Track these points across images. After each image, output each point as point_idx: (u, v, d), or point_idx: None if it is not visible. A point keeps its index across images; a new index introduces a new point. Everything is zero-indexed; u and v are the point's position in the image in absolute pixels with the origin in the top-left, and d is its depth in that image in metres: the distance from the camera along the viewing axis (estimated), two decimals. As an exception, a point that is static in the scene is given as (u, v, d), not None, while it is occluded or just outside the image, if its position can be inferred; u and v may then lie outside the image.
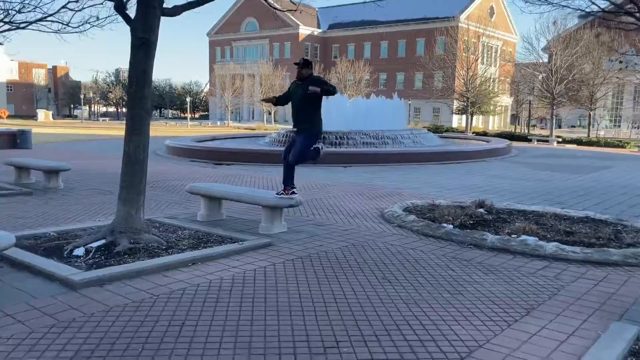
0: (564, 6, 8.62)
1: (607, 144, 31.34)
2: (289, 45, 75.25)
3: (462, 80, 43.84)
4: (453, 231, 6.47)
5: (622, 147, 30.36)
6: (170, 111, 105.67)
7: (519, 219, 7.22)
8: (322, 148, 6.48)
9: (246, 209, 7.80)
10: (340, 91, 41.09)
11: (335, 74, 56.52)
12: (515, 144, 25.51)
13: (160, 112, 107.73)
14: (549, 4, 8.48)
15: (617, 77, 40.12)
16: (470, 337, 3.53)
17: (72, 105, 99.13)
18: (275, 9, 8.22)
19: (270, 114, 66.39)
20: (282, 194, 6.49)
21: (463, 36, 47.49)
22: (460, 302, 4.20)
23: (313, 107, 6.34)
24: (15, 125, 39.49)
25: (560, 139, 32.84)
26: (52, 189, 9.76)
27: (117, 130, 39.34)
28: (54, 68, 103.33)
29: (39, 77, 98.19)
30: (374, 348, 3.31)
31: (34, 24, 10.04)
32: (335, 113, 18.41)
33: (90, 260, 4.93)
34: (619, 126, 59.97)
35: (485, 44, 55.43)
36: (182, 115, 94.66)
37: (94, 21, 10.42)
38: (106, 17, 10.34)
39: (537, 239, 6.06)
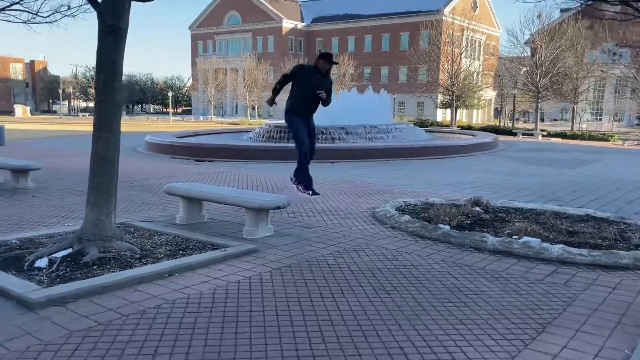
0: None
1: (591, 137, 31.37)
2: (272, 39, 74.33)
3: (447, 74, 43.57)
4: (451, 233, 6.06)
5: (606, 140, 30.38)
6: (152, 106, 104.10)
7: (518, 218, 6.84)
8: None
9: (229, 210, 7.30)
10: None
11: (319, 68, 55.82)
12: (501, 137, 25.25)
13: (142, 107, 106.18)
14: None
15: (601, 71, 40.27)
16: (484, 361, 3.10)
17: (51, 101, 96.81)
18: None
19: (254, 108, 65.59)
20: (300, 189, 6.86)
21: (447, 30, 47.21)
22: (468, 316, 3.78)
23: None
24: (-10, 121, 38.21)
25: (545, 133, 32.78)
26: (21, 189, 9.15)
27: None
28: (32, 62, 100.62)
29: (17, 71, 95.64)
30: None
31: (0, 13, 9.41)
32: (321, 107, 17.87)
33: (54, 274, 4.40)
34: (600, 119, 60.59)
35: (470, 37, 55.25)
36: (165, 110, 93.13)
37: (65, 10, 9.81)
38: (78, 7, 9.73)
39: (540, 240, 5.68)
